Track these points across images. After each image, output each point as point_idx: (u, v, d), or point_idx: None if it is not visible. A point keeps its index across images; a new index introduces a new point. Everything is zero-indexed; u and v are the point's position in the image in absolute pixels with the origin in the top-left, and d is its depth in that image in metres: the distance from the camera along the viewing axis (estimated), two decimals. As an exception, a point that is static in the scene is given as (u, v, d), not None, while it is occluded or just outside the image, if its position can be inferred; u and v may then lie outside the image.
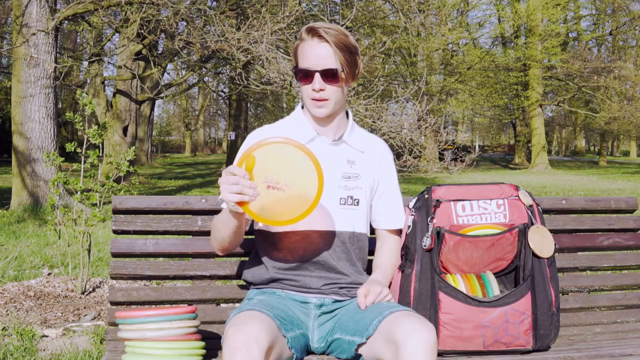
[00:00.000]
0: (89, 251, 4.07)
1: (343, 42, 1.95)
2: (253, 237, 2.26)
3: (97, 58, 16.25)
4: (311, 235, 1.99)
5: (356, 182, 2.05)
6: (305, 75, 1.96)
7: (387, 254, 2.13)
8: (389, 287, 2.12)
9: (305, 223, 1.95)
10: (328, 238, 2.00)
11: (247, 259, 2.20)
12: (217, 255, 2.27)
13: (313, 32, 1.95)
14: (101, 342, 3.09)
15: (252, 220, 2.13)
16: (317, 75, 1.94)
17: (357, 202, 2.05)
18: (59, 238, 4.25)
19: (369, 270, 2.15)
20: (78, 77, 26.29)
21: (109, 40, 16.63)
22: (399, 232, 2.18)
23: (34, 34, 9.06)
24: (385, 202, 2.13)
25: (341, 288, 2.02)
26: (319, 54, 1.94)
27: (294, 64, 2.04)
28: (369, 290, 1.93)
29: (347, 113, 2.12)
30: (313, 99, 1.97)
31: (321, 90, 1.95)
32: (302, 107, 2.11)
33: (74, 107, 28.78)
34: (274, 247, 2.03)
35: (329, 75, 1.94)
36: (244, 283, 2.19)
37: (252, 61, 8.73)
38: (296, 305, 1.99)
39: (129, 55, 14.69)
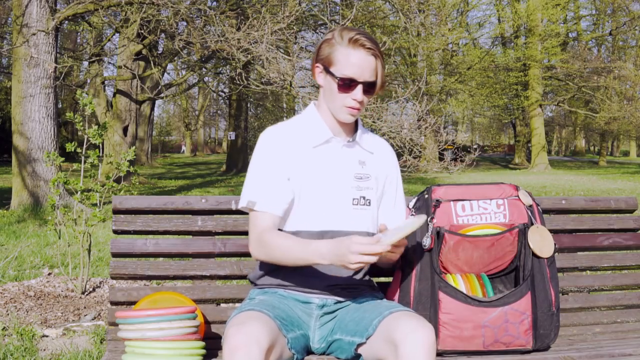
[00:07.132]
0: (89, 251, 4.07)
1: (381, 54, 1.96)
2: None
3: (97, 58, 16.28)
4: (324, 236, 1.95)
5: (367, 182, 2.05)
6: (348, 84, 1.94)
7: None
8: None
9: (320, 223, 1.97)
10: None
11: (247, 259, 2.20)
12: (217, 255, 2.28)
13: (360, 43, 1.92)
14: (101, 342, 3.09)
15: None
16: (360, 87, 1.93)
17: (369, 203, 2.04)
18: (59, 238, 4.25)
19: (370, 273, 2.13)
20: (78, 77, 26.30)
21: (109, 40, 16.66)
22: None
23: (34, 34, 9.06)
24: (388, 203, 2.12)
25: (343, 289, 2.01)
26: (364, 65, 1.92)
27: (324, 65, 1.97)
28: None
29: None
30: (349, 107, 1.96)
31: (361, 102, 1.96)
32: (315, 106, 2.08)
33: (74, 107, 28.75)
34: None
35: (369, 87, 1.95)
36: (244, 283, 2.19)
37: (252, 61, 8.73)
38: (298, 305, 1.99)
39: (129, 55, 14.70)
